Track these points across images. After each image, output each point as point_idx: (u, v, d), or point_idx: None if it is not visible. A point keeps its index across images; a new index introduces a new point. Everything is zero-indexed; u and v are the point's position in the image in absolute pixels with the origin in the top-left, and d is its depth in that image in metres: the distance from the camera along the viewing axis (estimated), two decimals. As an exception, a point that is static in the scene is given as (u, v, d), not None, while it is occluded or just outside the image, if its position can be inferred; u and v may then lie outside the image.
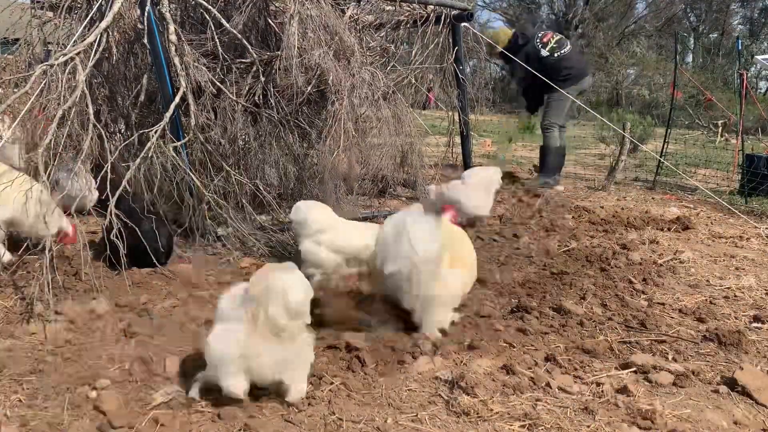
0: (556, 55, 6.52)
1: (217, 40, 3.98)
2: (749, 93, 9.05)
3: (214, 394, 2.17)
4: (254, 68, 4.12)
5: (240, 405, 2.09)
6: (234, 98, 3.98)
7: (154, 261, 3.36)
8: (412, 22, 5.46)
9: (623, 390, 2.35)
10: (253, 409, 2.09)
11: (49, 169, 3.16)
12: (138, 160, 3.62)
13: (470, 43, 6.19)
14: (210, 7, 4.02)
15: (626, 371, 2.51)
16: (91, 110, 3.54)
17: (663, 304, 3.31)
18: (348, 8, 4.91)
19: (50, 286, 2.80)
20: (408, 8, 5.39)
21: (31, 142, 3.71)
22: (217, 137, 4.07)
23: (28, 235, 3.26)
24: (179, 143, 3.80)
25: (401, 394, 2.27)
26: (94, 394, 2.16)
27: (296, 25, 3.79)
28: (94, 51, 3.73)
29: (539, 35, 6.71)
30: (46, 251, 2.87)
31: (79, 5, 4.38)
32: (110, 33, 4.01)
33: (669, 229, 5.00)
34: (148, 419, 2.02)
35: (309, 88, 3.88)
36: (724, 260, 4.23)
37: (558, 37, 6.74)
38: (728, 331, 2.86)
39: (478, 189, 4.74)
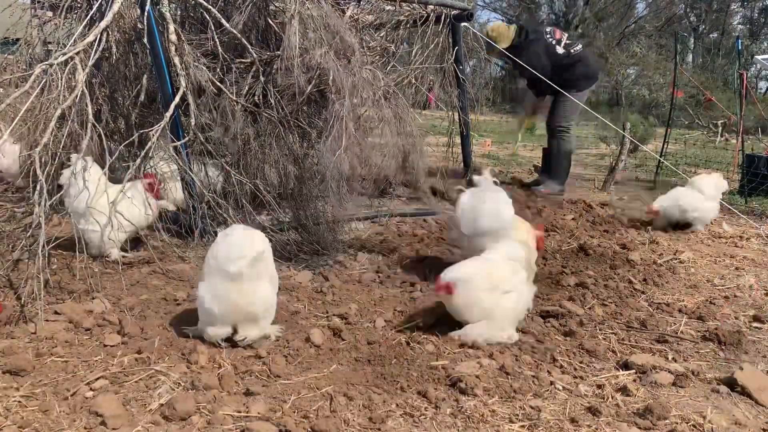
0: (572, 51, 6.23)
1: (217, 40, 3.97)
2: (749, 93, 9.05)
3: (209, 395, 2.18)
4: (254, 68, 4.11)
5: (236, 411, 2.09)
6: (234, 98, 3.98)
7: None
8: (412, 22, 5.46)
9: (623, 390, 2.35)
10: (250, 419, 2.08)
11: (46, 169, 3.15)
12: (138, 160, 3.62)
13: (470, 43, 6.17)
14: (210, 6, 4.02)
15: (626, 371, 2.51)
16: (90, 110, 3.53)
17: (663, 304, 3.31)
18: (348, 8, 4.91)
19: (45, 286, 2.79)
20: (408, 8, 5.39)
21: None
22: (218, 137, 4.07)
23: None
24: (179, 143, 3.80)
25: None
26: (92, 394, 2.16)
27: (297, 25, 3.78)
28: (93, 51, 3.73)
29: (549, 31, 6.31)
30: (40, 251, 2.87)
31: (79, 5, 4.38)
32: (110, 33, 4.01)
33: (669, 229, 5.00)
34: (147, 420, 2.02)
35: (309, 88, 3.88)
36: (724, 260, 4.22)
37: (568, 34, 6.46)
38: (728, 331, 2.86)
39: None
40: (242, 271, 2.41)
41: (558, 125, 6.40)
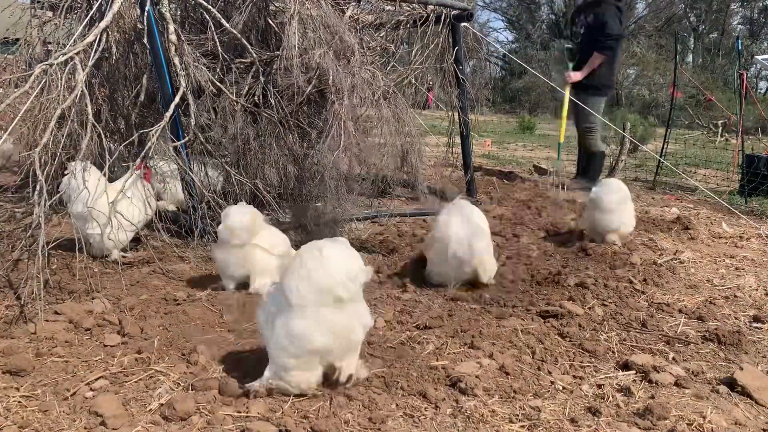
0: None
1: (217, 40, 3.98)
2: (749, 93, 9.06)
3: (209, 395, 2.17)
4: (254, 68, 4.12)
5: (236, 411, 2.08)
6: (234, 98, 3.98)
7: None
8: (412, 22, 5.46)
9: (623, 390, 2.35)
10: (250, 419, 2.08)
11: (46, 169, 3.15)
12: (138, 160, 3.63)
13: (470, 43, 6.17)
14: (210, 7, 4.02)
15: (626, 371, 2.51)
16: (90, 110, 3.54)
17: (663, 304, 3.31)
18: (348, 8, 4.91)
19: (45, 286, 2.79)
20: (408, 8, 5.39)
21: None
22: (217, 137, 4.07)
23: None
24: (179, 143, 3.80)
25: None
26: (92, 394, 2.16)
27: (296, 25, 3.78)
28: (93, 51, 3.73)
29: None
30: (40, 251, 2.87)
31: (79, 5, 4.38)
32: (110, 33, 4.01)
33: (669, 229, 5.00)
34: (147, 420, 2.02)
35: (309, 88, 3.89)
36: (724, 260, 4.22)
37: None
38: (728, 331, 2.86)
39: None
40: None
41: (586, 125, 6.42)
